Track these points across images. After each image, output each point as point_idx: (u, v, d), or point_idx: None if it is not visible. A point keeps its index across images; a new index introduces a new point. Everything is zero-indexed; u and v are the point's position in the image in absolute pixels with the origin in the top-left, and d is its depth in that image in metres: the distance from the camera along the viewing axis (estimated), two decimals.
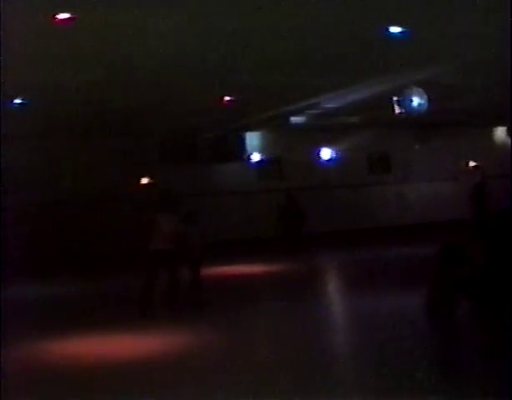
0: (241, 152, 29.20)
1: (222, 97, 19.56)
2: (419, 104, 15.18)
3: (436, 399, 7.85)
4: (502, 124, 32.78)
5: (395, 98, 15.52)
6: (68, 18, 10.91)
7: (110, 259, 24.34)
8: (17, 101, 18.18)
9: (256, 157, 29.71)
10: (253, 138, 29.76)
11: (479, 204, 24.09)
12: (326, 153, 30.31)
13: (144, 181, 27.59)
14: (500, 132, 33.86)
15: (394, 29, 12.56)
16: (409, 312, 12.85)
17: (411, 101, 15.16)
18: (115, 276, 20.79)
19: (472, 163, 32.36)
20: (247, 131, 29.13)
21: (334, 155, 30.33)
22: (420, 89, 15.19)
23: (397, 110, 15.58)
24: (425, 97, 15.14)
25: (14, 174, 25.60)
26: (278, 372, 9.17)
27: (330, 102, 21.79)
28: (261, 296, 16.48)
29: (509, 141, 32.95)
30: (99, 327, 12.80)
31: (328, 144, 30.15)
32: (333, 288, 18.33)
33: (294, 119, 25.53)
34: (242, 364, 9.77)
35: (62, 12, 10.69)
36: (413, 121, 23.01)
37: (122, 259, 24.20)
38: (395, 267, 19.29)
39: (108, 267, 23.12)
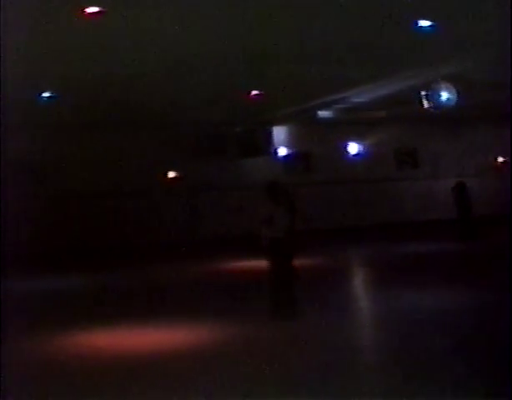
0: (268, 147, 29.15)
1: (249, 92, 19.54)
2: (448, 99, 15.07)
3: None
4: None
5: (424, 93, 15.41)
6: (97, 12, 10.95)
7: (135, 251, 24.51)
8: (46, 94, 18.30)
9: (283, 151, 29.66)
10: (280, 133, 29.71)
11: (462, 205, 23.79)
12: (353, 148, 30.21)
13: (171, 175, 27.66)
14: None
15: (424, 23, 12.48)
16: (431, 309, 12.82)
17: (440, 95, 15.05)
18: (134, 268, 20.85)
19: (501, 159, 32.11)
20: (274, 125, 29.09)
21: (362, 150, 30.21)
22: (449, 84, 15.07)
23: (425, 104, 15.47)
24: (454, 91, 15.03)
25: (42, 166, 25.89)
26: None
27: (358, 97, 21.71)
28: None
29: None
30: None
31: (355, 139, 30.05)
32: (357, 283, 18.27)
33: (322, 113, 25.46)
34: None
35: (91, 5, 10.74)
36: (441, 116, 22.83)
37: (147, 252, 24.37)
38: (422, 262, 19.21)
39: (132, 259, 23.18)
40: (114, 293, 16.65)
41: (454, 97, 15.02)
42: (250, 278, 17.71)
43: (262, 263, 12.88)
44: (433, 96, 15.18)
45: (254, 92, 19.64)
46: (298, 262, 12.92)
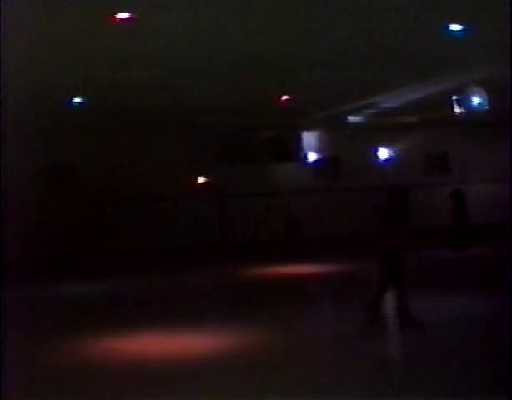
0: (298, 152, 29.13)
1: (279, 97, 19.54)
2: (479, 104, 14.96)
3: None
4: None
5: (455, 97, 15.31)
6: (127, 18, 11.00)
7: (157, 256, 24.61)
8: (77, 100, 18.42)
9: (312, 156, 29.60)
10: (310, 138, 29.66)
11: (458, 211, 23.45)
12: (384, 153, 30.07)
13: (201, 180, 27.70)
14: None
15: (455, 27, 12.39)
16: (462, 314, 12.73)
17: (471, 100, 14.94)
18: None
19: None
20: (304, 130, 29.06)
21: (392, 155, 30.06)
22: (480, 88, 14.96)
23: (457, 109, 15.37)
24: (485, 96, 14.91)
25: (71, 171, 26.16)
26: None
27: (389, 102, 21.62)
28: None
29: None
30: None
31: (386, 144, 29.91)
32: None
33: (352, 118, 25.39)
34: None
35: (121, 11, 10.79)
36: (472, 120, 22.67)
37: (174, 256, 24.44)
38: (453, 269, 19.09)
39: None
40: (147, 297, 16.72)
41: (485, 101, 14.91)
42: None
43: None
44: (464, 100, 15.08)
45: (285, 97, 19.65)
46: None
